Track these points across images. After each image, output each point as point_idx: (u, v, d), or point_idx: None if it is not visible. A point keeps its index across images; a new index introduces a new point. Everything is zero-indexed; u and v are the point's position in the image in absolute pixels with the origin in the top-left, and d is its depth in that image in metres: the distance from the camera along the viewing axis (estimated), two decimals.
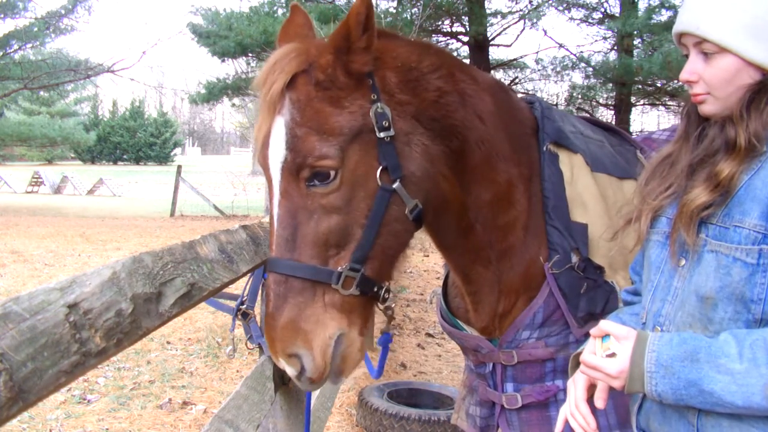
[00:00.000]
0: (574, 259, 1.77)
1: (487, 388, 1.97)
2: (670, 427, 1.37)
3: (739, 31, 1.31)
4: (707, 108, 1.39)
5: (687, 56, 1.41)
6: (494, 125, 1.77)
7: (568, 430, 1.50)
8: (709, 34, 1.33)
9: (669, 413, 1.37)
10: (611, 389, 1.41)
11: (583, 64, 14.93)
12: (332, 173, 1.51)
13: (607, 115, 16.55)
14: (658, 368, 1.26)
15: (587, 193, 1.84)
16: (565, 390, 1.83)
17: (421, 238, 1.80)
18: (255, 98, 20.32)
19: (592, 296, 1.76)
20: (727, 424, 1.26)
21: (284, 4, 16.56)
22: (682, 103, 1.56)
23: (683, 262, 1.37)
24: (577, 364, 1.49)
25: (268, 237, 1.60)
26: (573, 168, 1.86)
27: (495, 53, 15.22)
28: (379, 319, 1.88)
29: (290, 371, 1.51)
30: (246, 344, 2.20)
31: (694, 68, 1.37)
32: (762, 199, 1.26)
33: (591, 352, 1.37)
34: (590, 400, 1.47)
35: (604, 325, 1.37)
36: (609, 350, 1.34)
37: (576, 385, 1.47)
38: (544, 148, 1.85)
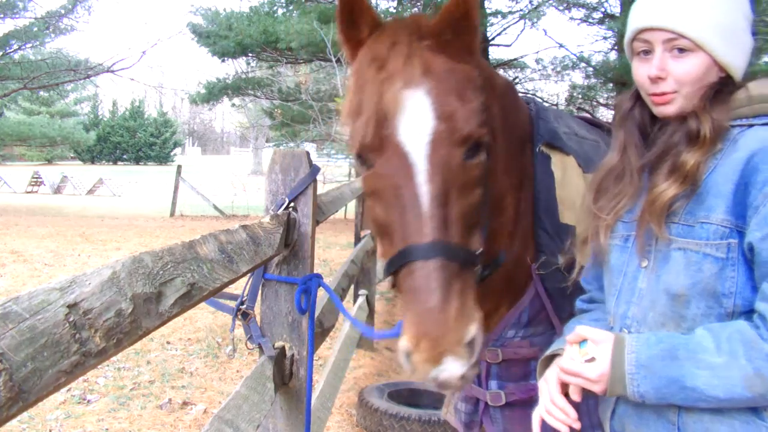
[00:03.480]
0: (561, 260, 1.78)
1: (472, 384, 1.98)
2: (648, 429, 1.37)
3: (715, 31, 1.34)
4: (671, 108, 1.38)
5: (644, 52, 1.40)
6: (499, 136, 1.75)
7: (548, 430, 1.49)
8: (688, 31, 1.34)
9: (646, 415, 1.37)
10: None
11: (583, 64, 14.94)
12: (482, 147, 1.44)
13: (607, 115, 16.55)
14: (638, 369, 1.27)
15: (578, 194, 1.84)
16: None
17: None
18: (255, 99, 20.35)
19: (577, 298, 1.77)
20: (709, 419, 1.28)
21: (284, 4, 16.57)
22: (615, 111, 1.56)
23: (645, 262, 1.39)
24: (546, 366, 1.50)
25: (404, 221, 1.37)
26: (565, 170, 1.86)
27: (495, 53, 15.23)
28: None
29: (458, 365, 1.27)
30: (246, 344, 2.20)
31: (663, 65, 1.37)
32: (726, 194, 1.28)
33: (569, 358, 1.37)
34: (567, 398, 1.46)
35: (582, 330, 1.37)
36: (588, 355, 1.34)
37: (549, 383, 1.46)
38: (537, 150, 1.86)
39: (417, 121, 1.38)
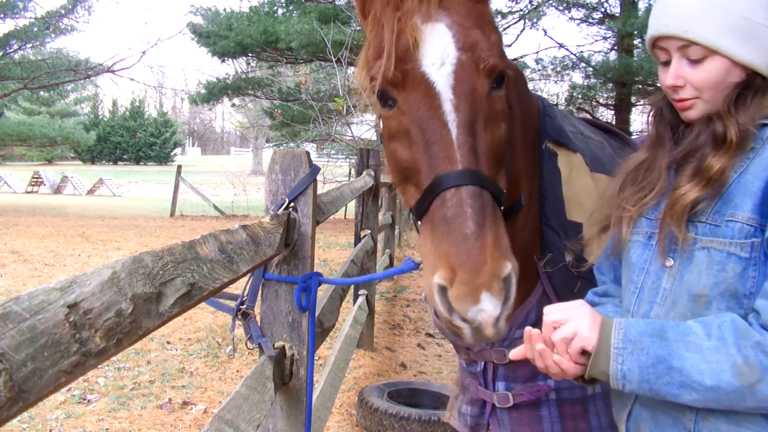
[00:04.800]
0: (569, 258, 1.77)
1: (479, 386, 1.97)
2: None
3: (728, 33, 1.31)
4: (694, 113, 1.38)
5: (666, 63, 1.40)
6: (518, 115, 1.73)
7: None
8: (698, 37, 1.32)
9: (662, 419, 1.34)
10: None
11: (583, 64, 14.95)
12: (505, 81, 1.43)
13: (607, 115, 16.56)
14: (626, 344, 1.24)
15: (585, 192, 1.83)
16: (556, 389, 1.83)
17: None
18: (255, 99, 20.34)
19: (585, 295, 1.76)
20: (726, 427, 1.25)
21: (284, 4, 16.58)
22: (650, 107, 1.55)
23: (671, 262, 1.36)
24: None
25: (437, 149, 1.35)
26: (572, 168, 1.85)
27: None
28: None
29: (493, 305, 1.21)
30: (246, 344, 2.20)
31: (679, 73, 1.36)
32: (755, 192, 1.26)
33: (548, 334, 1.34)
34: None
35: (549, 308, 1.36)
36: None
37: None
38: (543, 146, 1.85)
39: (440, 52, 1.37)
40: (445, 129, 1.34)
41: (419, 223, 1.39)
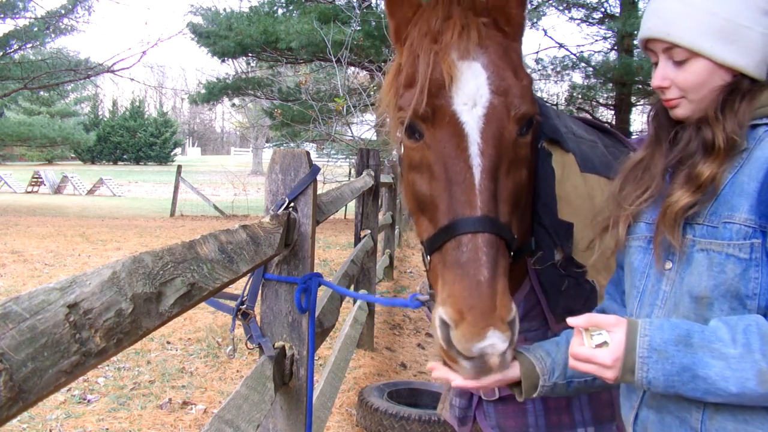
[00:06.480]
0: (557, 256, 1.78)
1: None
2: None
3: (710, 35, 1.32)
4: (681, 112, 1.39)
5: (656, 63, 1.41)
6: None
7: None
8: (680, 40, 1.33)
9: (669, 420, 1.34)
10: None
11: (583, 64, 14.95)
12: (533, 126, 1.45)
13: (607, 115, 16.57)
14: (650, 353, 1.23)
15: (575, 193, 1.84)
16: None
17: None
18: (255, 99, 20.35)
19: (572, 294, 1.77)
20: (733, 427, 1.25)
21: (284, 4, 16.59)
22: (650, 108, 1.56)
23: (669, 265, 1.36)
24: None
25: (451, 194, 1.36)
26: (564, 167, 1.86)
27: None
28: None
29: (501, 338, 1.25)
30: (246, 344, 2.20)
31: (665, 74, 1.38)
32: (750, 192, 1.26)
33: (579, 344, 1.32)
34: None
35: (593, 317, 1.33)
36: (600, 340, 1.30)
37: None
38: (539, 146, 1.86)
39: (473, 93, 1.38)
40: (469, 172, 1.35)
41: (429, 257, 1.42)
